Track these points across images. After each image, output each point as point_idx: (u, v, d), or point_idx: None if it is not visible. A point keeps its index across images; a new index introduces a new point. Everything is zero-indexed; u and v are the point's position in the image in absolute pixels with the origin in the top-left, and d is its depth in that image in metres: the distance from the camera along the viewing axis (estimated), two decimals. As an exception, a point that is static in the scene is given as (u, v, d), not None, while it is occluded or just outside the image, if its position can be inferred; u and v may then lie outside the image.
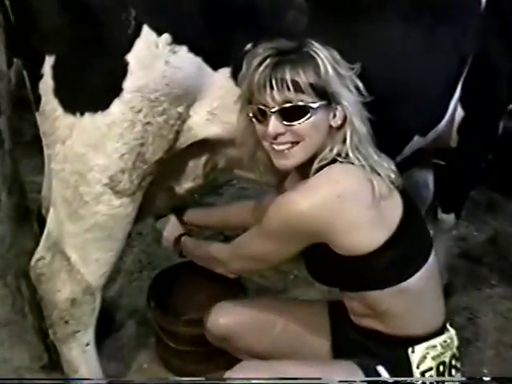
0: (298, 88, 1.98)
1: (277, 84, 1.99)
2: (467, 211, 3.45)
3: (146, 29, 2.02)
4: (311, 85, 1.99)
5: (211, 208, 3.35)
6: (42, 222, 2.57)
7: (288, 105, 2.00)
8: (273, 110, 2.01)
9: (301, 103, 2.00)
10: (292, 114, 2.01)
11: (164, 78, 2.07)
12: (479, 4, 2.57)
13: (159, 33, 2.03)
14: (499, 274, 3.89)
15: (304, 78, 1.99)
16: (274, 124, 2.02)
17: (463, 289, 3.70)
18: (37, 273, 2.43)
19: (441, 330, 2.25)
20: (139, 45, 2.03)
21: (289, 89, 1.98)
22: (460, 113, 2.78)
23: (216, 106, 2.25)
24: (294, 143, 2.05)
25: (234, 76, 2.20)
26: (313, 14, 2.21)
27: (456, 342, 2.29)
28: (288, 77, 1.98)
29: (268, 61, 2.01)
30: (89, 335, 2.53)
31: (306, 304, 2.72)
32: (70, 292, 2.39)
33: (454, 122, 2.81)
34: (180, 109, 2.17)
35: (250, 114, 2.11)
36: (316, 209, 2.01)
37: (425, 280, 2.17)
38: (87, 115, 2.09)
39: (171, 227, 2.84)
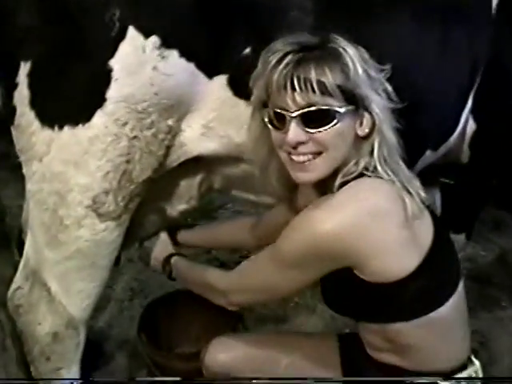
0: (324, 90, 1.77)
1: (299, 84, 1.77)
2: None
3: (131, 31, 1.87)
4: (339, 86, 1.79)
5: (203, 226, 3.16)
6: (22, 248, 2.40)
7: (312, 108, 1.79)
8: (293, 114, 1.80)
9: (326, 107, 1.80)
10: (316, 119, 1.80)
11: (152, 86, 1.91)
12: (490, 8, 2.46)
13: (146, 35, 1.88)
14: (510, 295, 3.78)
15: (331, 78, 1.78)
16: (295, 131, 1.81)
17: (473, 311, 3.48)
18: (14, 304, 2.31)
19: (466, 364, 2.10)
20: (124, 49, 1.87)
21: (314, 90, 1.77)
22: (472, 125, 2.65)
23: (211, 118, 2.09)
24: (316, 154, 1.85)
25: (232, 84, 2.04)
26: (319, 14, 2.07)
27: (481, 376, 2.14)
28: (313, 76, 1.76)
29: (289, 57, 1.79)
30: (73, 373, 2.38)
31: (312, 338, 2.52)
32: (51, 325, 2.24)
33: (465, 136, 2.67)
34: (170, 121, 2.01)
35: (265, 119, 1.90)
36: (344, 228, 1.81)
37: (453, 310, 2.00)
38: (66, 129, 1.94)
39: (161, 245, 2.64)
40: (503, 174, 3.09)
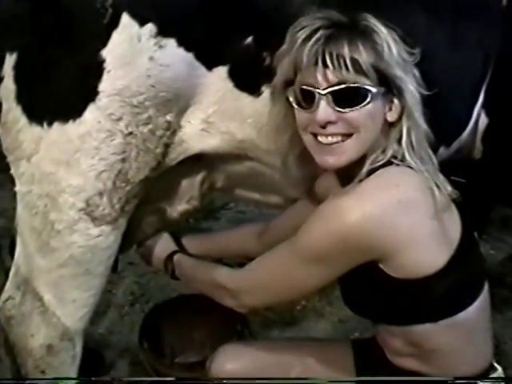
0: (357, 68, 1.70)
1: (332, 61, 1.70)
2: (481, 229, 3.32)
3: (125, 18, 1.78)
4: (372, 66, 1.72)
5: (207, 235, 3.05)
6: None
7: (343, 86, 1.71)
8: (324, 91, 1.72)
9: (358, 85, 1.72)
10: (347, 97, 1.72)
11: (149, 78, 1.83)
12: (500, 0, 2.38)
13: (142, 23, 1.79)
14: (521, 295, 3.73)
15: (365, 56, 1.71)
16: (325, 109, 1.72)
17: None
18: (6, 315, 2.22)
19: (489, 369, 2.00)
20: (117, 37, 1.79)
21: (347, 68, 1.69)
22: (484, 120, 2.55)
23: (212, 112, 2.00)
24: (346, 136, 1.77)
25: (233, 76, 1.95)
26: (325, 1, 1.96)
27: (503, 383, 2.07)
28: (346, 53, 1.69)
29: (320, 33, 1.72)
30: (70, 386, 2.31)
31: (324, 344, 2.41)
32: (44, 337, 2.16)
33: (477, 131, 2.59)
34: (169, 117, 1.93)
35: (291, 98, 1.82)
36: (373, 218, 1.72)
37: (480, 310, 1.91)
38: (56, 125, 1.85)
39: (163, 243, 2.48)
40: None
